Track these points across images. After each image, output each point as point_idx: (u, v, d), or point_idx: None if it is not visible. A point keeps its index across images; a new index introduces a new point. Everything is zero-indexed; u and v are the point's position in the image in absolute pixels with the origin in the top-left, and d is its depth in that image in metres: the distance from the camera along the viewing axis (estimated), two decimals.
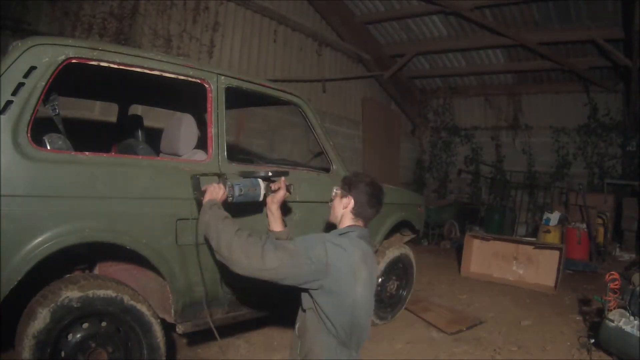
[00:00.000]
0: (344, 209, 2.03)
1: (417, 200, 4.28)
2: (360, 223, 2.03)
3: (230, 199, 2.17)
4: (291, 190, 2.43)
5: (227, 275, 2.75)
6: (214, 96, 2.52)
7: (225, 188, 2.15)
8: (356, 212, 2.01)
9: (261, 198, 2.32)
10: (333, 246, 1.82)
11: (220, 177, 2.33)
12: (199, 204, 2.14)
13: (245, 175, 2.42)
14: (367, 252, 1.94)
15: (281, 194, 2.34)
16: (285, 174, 2.43)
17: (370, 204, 2.01)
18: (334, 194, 2.10)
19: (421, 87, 11.04)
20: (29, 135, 1.90)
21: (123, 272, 2.39)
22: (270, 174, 2.37)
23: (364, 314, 1.92)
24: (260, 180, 2.32)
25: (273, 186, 2.35)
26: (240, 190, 2.21)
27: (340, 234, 1.95)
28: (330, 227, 2.13)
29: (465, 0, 7.20)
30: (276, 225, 2.34)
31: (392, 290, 3.82)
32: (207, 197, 2.07)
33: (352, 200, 2.00)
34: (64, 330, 1.96)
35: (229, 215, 1.96)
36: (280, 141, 7.24)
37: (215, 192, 2.10)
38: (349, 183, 2.04)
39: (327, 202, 2.18)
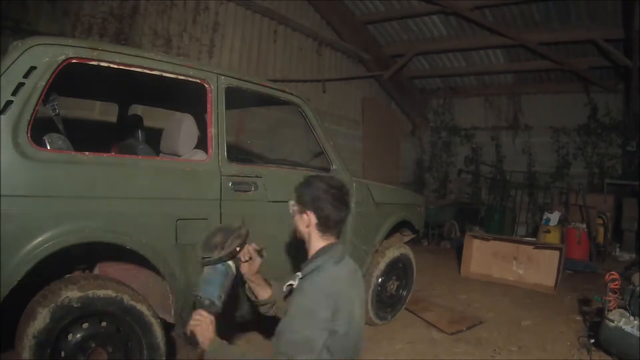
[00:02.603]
0: (307, 228, 1.78)
1: (417, 200, 4.28)
2: (331, 238, 1.78)
3: (218, 312, 1.78)
4: (264, 254, 2.01)
5: None
6: (214, 96, 2.52)
7: (208, 310, 1.75)
8: (322, 228, 1.76)
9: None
10: (325, 302, 1.61)
11: (196, 301, 1.82)
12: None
13: (205, 263, 1.85)
14: (350, 272, 1.75)
15: (256, 263, 1.96)
16: (243, 237, 1.88)
17: (336, 211, 1.75)
18: (291, 210, 1.83)
19: (421, 87, 11.04)
20: (29, 135, 1.90)
21: (123, 272, 2.38)
22: (233, 248, 1.83)
23: (361, 331, 1.79)
24: (228, 263, 1.85)
25: (242, 258, 1.91)
26: (220, 296, 1.78)
27: (316, 271, 1.69)
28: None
29: (465, 0, 7.20)
30: (263, 291, 2.01)
31: (392, 290, 3.82)
32: (204, 340, 1.72)
33: (313, 216, 1.75)
34: (64, 330, 1.96)
35: (243, 351, 1.86)
36: (280, 141, 7.24)
37: (206, 329, 1.72)
38: (303, 195, 1.78)
39: None
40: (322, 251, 1.76)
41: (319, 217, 1.76)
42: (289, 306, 1.71)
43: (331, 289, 1.65)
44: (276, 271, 2.85)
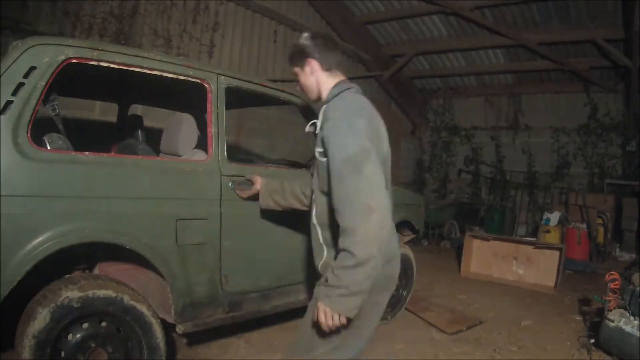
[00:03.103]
0: (313, 75, 1.74)
1: (417, 201, 4.28)
2: (339, 75, 1.76)
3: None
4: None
5: (227, 275, 2.75)
6: (214, 96, 2.52)
7: None
8: (327, 67, 1.73)
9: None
10: (359, 112, 1.55)
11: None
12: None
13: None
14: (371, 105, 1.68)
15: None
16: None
17: (332, 51, 1.73)
18: (296, 73, 1.80)
19: (421, 87, 11.04)
20: (29, 135, 1.90)
21: (123, 272, 2.38)
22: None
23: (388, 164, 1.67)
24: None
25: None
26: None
27: (339, 96, 1.65)
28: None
29: (465, 0, 7.20)
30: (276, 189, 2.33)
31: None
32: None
33: (314, 61, 1.72)
34: (64, 330, 1.96)
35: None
36: (280, 141, 7.24)
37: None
38: (296, 51, 1.76)
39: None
40: (338, 85, 1.72)
41: (319, 59, 1.71)
42: (323, 132, 1.57)
43: (360, 104, 1.61)
44: (275, 270, 2.87)
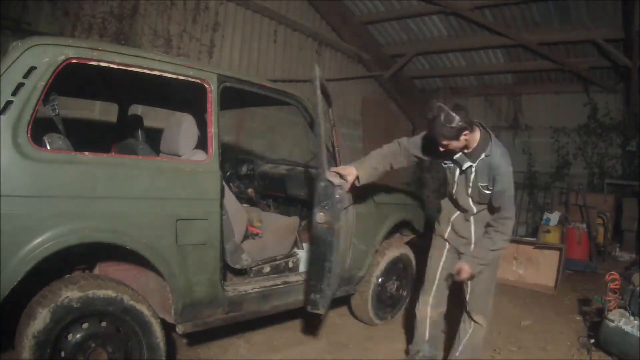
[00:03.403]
0: (466, 137, 2.32)
1: (417, 201, 4.28)
2: (476, 127, 2.40)
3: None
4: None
5: (227, 275, 2.76)
6: (214, 96, 2.52)
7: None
8: (471, 130, 2.33)
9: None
10: (508, 167, 2.41)
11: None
12: None
13: None
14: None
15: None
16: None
17: (463, 112, 2.26)
18: (449, 143, 2.35)
19: (421, 87, 11.03)
20: (29, 135, 1.90)
21: (123, 272, 2.39)
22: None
23: None
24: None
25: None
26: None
27: (494, 147, 2.40)
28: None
29: (465, 0, 7.20)
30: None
31: (392, 290, 3.82)
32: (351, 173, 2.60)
33: (465, 131, 2.28)
34: (64, 330, 1.96)
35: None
36: (280, 141, 7.24)
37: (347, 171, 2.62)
38: (455, 133, 2.25)
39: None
40: (484, 137, 2.42)
41: (469, 125, 2.30)
42: (498, 178, 2.38)
43: (506, 151, 2.45)
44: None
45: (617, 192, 8.24)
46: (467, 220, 2.65)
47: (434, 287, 2.71)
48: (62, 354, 1.96)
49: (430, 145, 2.60)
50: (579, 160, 9.33)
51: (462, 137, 2.32)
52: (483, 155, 2.41)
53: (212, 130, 2.49)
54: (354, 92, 9.16)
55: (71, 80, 2.27)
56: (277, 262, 3.08)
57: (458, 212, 2.69)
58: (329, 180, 2.39)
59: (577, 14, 7.17)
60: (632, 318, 3.12)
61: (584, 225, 6.83)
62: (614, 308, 3.28)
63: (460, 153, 2.47)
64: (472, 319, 2.67)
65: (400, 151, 2.89)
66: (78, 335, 2.00)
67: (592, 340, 3.37)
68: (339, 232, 2.42)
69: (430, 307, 2.72)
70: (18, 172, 1.86)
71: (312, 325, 3.59)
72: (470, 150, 2.44)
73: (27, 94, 1.91)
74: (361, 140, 9.19)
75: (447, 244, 2.74)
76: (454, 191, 2.64)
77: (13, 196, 1.83)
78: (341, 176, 2.55)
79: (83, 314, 2.00)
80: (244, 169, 4.15)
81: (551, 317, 4.23)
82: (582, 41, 7.78)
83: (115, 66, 2.17)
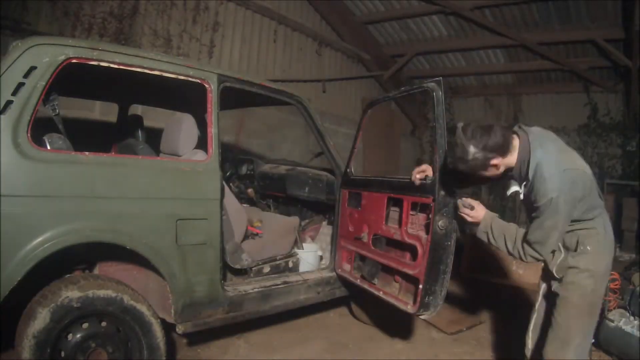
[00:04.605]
0: (496, 164, 1.93)
1: None
2: (518, 136, 1.98)
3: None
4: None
5: (227, 275, 2.76)
6: (214, 96, 2.52)
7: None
8: (504, 152, 1.93)
9: None
10: (567, 180, 1.85)
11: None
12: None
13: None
14: None
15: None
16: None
17: (486, 136, 1.88)
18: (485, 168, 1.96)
19: None
20: (29, 135, 1.90)
21: (123, 272, 2.39)
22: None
23: None
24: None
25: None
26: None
27: (537, 164, 1.89)
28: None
29: (465, 0, 7.20)
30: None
31: None
32: (479, 216, 2.18)
33: (496, 158, 1.91)
34: (64, 330, 1.96)
35: (507, 224, 2.11)
36: (280, 141, 7.24)
37: (479, 208, 2.20)
38: (474, 164, 1.89)
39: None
40: (523, 148, 1.95)
41: (498, 149, 1.90)
42: (539, 199, 1.88)
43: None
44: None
45: (617, 192, 8.24)
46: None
47: (531, 327, 2.37)
48: (62, 354, 1.96)
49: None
50: None
51: (491, 168, 1.93)
52: (525, 182, 1.97)
53: (212, 130, 2.49)
54: (354, 92, 9.16)
55: (71, 80, 2.27)
56: (277, 262, 3.08)
57: None
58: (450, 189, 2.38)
59: (577, 14, 7.17)
60: (632, 318, 3.12)
61: None
62: (614, 308, 3.28)
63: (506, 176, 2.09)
64: None
65: None
66: (78, 335, 2.00)
67: (592, 340, 3.36)
68: (454, 237, 2.45)
69: (530, 351, 2.35)
70: (18, 172, 1.86)
71: (312, 325, 3.59)
72: (513, 168, 2.00)
73: (27, 93, 1.91)
74: (361, 140, 9.19)
75: (542, 283, 2.33)
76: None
77: (13, 196, 1.83)
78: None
79: (83, 314, 1.99)
80: (244, 169, 4.15)
81: None
82: (582, 41, 7.78)
83: (116, 66, 2.16)
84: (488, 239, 2.13)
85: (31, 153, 1.89)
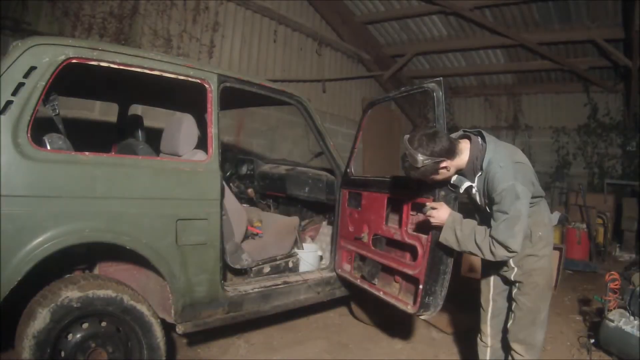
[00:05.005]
0: (446, 166, 2.04)
1: None
2: (467, 141, 2.10)
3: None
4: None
5: (227, 275, 2.76)
6: (214, 96, 2.52)
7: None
8: (452, 155, 2.05)
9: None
10: (520, 170, 2.02)
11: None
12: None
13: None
14: None
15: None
16: None
17: (433, 141, 1.99)
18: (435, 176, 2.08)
19: None
20: (29, 135, 1.90)
21: (123, 272, 2.39)
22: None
23: None
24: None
25: None
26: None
27: (489, 161, 2.01)
28: None
29: (465, 0, 7.20)
30: None
31: None
32: (441, 218, 2.18)
33: (446, 161, 2.02)
34: (64, 330, 1.96)
35: (473, 225, 2.12)
36: (280, 141, 7.24)
37: (442, 210, 2.19)
38: (424, 170, 2.00)
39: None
40: (475, 149, 2.08)
41: (445, 153, 2.01)
42: (495, 197, 1.98)
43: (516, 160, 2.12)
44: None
45: (617, 192, 8.25)
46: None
47: (489, 315, 2.43)
48: (62, 354, 1.96)
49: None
50: (578, 160, 9.34)
51: (442, 170, 2.06)
52: (479, 173, 2.08)
53: (212, 130, 2.49)
54: (354, 92, 9.16)
55: (71, 80, 2.27)
56: (277, 262, 3.09)
57: None
58: (450, 189, 2.36)
59: (577, 14, 7.17)
60: (632, 318, 3.12)
61: (584, 225, 6.83)
62: (614, 308, 3.28)
63: (457, 176, 2.19)
64: (510, 348, 2.31)
65: None
66: (78, 335, 2.00)
67: (592, 340, 3.37)
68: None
69: (490, 337, 2.45)
70: (18, 172, 1.86)
71: (312, 325, 3.59)
72: (464, 168, 2.14)
73: (27, 93, 1.91)
74: (361, 140, 9.19)
75: (489, 273, 2.42)
76: (476, 214, 2.30)
77: (13, 196, 1.83)
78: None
79: (83, 314, 1.99)
80: (244, 169, 4.15)
81: (551, 317, 4.18)
82: (582, 41, 7.79)
83: (116, 66, 2.16)
84: (456, 238, 2.12)
85: (31, 153, 1.89)
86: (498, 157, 2.01)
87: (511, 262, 2.20)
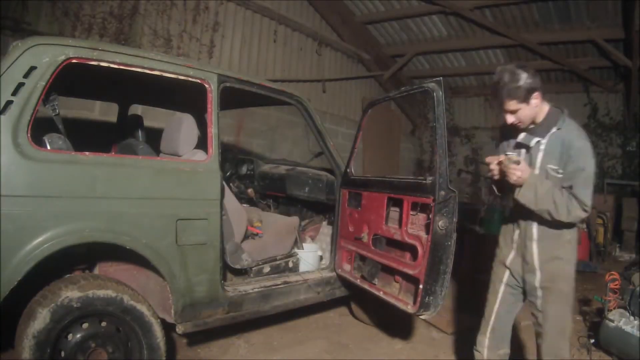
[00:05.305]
0: (536, 100, 2.03)
1: None
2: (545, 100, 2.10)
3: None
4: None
5: (227, 275, 2.76)
6: (214, 96, 2.52)
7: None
8: (542, 97, 2.06)
9: None
10: (586, 141, 2.04)
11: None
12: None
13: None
14: None
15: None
16: None
17: (532, 71, 2.01)
18: (517, 108, 2.03)
19: None
20: (29, 135, 1.90)
21: (123, 272, 2.39)
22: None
23: None
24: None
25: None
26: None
27: (568, 122, 2.07)
28: None
29: (465, 0, 7.20)
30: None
31: None
32: (524, 175, 2.03)
33: (537, 93, 2.01)
34: (64, 330, 1.96)
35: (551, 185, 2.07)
36: (280, 141, 7.24)
37: (525, 168, 2.04)
38: (525, 89, 1.98)
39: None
40: (555, 110, 2.14)
41: (540, 88, 2.04)
42: (573, 153, 2.03)
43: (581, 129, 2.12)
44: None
45: (617, 192, 8.25)
46: (530, 239, 2.17)
47: (489, 327, 2.39)
48: (62, 354, 1.96)
49: (504, 136, 2.29)
50: None
51: (533, 101, 2.02)
52: (554, 129, 2.07)
53: (212, 130, 2.49)
54: (354, 92, 9.17)
55: (71, 80, 2.27)
56: (277, 262, 3.09)
57: (519, 230, 2.22)
58: (450, 189, 2.37)
59: (577, 14, 7.18)
60: (632, 318, 3.12)
61: (584, 225, 6.82)
62: (614, 308, 3.28)
63: (525, 134, 2.12)
64: None
65: None
66: (78, 335, 2.00)
67: (592, 340, 3.36)
68: (454, 237, 2.45)
69: (487, 348, 2.41)
70: (18, 172, 1.86)
71: (312, 325, 3.59)
72: (537, 124, 2.11)
73: (27, 93, 1.91)
74: (361, 140, 9.19)
75: (507, 273, 2.31)
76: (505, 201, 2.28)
77: (13, 196, 1.83)
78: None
79: (83, 314, 1.99)
80: (244, 169, 4.15)
81: None
82: (582, 41, 7.79)
83: (116, 66, 2.17)
84: (535, 195, 2.01)
85: (31, 153, 1.89)
86: (574, 123, 2.11)
87: (536, 263, 2.15)
